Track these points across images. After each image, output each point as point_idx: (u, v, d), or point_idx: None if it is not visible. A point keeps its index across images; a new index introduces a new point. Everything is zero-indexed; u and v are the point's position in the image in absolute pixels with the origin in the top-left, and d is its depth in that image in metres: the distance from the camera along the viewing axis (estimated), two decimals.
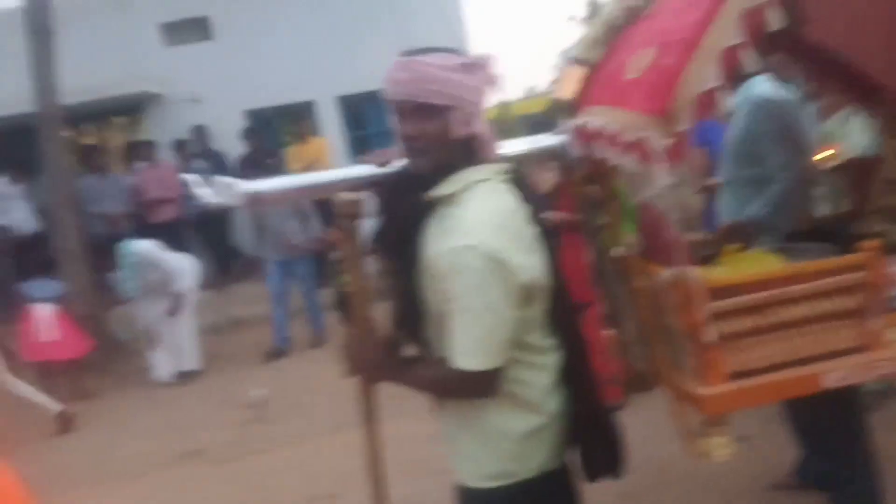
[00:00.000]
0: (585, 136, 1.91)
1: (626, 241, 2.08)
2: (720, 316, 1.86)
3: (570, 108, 2.09)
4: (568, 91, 2.10)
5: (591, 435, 1.67)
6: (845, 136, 3.95)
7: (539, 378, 1.59)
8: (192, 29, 9.91)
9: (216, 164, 8.29)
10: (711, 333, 1.82)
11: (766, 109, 2.81)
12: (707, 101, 1.53)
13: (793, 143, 2.82)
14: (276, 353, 6.44)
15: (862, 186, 2.52)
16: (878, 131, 2.49)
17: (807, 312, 1.89)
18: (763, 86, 2.96)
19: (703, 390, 1.87)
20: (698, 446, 1.92)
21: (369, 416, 1.75)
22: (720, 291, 1.84)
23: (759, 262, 1.99)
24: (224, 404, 5.38)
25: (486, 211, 1.48)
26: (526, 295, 1.50)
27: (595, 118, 1.84)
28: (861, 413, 2.32)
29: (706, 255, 2.12)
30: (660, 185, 1.56)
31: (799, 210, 2.73)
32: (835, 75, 2.58)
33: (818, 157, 4.11)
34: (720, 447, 1.89)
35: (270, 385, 5.38)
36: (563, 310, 1.66)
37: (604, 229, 2.15)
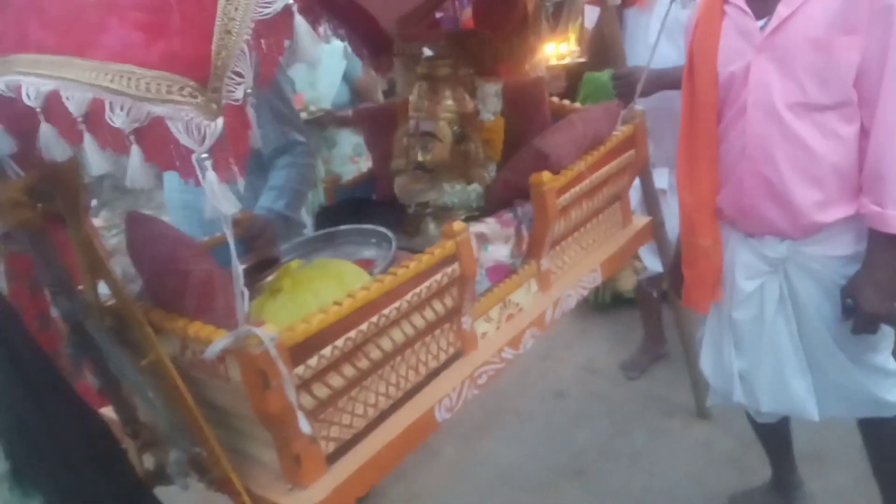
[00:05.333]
0: (12, 114, 0.91)
1: (118, 289, 1.16)
2: (310, 382, 1.16)
3: None
4: None
5: None
6: (312, 84, 3.51)
7: None
8: None
9: None
10: (304, 416, 1.10)
11: None
12: (279, 34, 0.73)
13: (290, 111, 2.22)
14: None
15: (382, 140, 2.04)
16: (398, 78, 2.03)
17: (408, 332, 1.33)
18: None
19: (300, 501, 1.15)
20: None
21: None
22: (304, 347, 1.12)
23: (334, 278, 1.32)
24: None
25: None
26: None
27: (31, 78, 0.85)
28: None
29: (251, 280, 1.36)
30: (223, 207, 0.72)
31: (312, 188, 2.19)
32: (332, 9, 1.99)
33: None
34: None
35: None
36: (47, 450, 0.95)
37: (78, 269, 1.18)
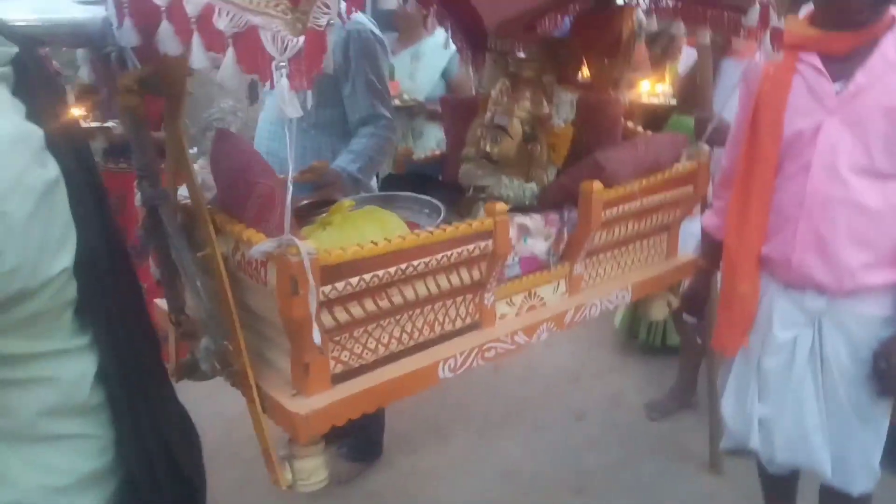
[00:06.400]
0: (141, 11, 1.09)
1: (193, 186, 1.33)
2: (333, 303, 1.30)
3: None
4: None
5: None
6: (412, 75, 3.67)
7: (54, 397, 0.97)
8: None
9: None
10: (320, 330, 1.24)
11: (361, 43, 2.30)
12: None
13: (383, 87, 2.39)
14: None
15: (459, 129, 2.17)
16: (487, 73, 2.16)
17: (432, 290, 1.45)
18: (358, 13, 2.44)
19: (299, 405, 1.29)
20: (280, 472, 1.35)
21: None
22: (335, 271, 1.25)
23: (378, 223, 1.46)
24: None
25: None
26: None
27: None
28: None
29: (309, 213, 1.51)
30: (287, 111, 0.87)
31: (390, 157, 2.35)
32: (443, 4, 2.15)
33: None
34: (309, 475, 1.34)
35: None
36: (107, 294, 1.02)
37: (162, 162, 1.36)
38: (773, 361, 1.91)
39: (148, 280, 1.61)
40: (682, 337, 3.18)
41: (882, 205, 1.67)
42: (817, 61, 1.73)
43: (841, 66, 1.70)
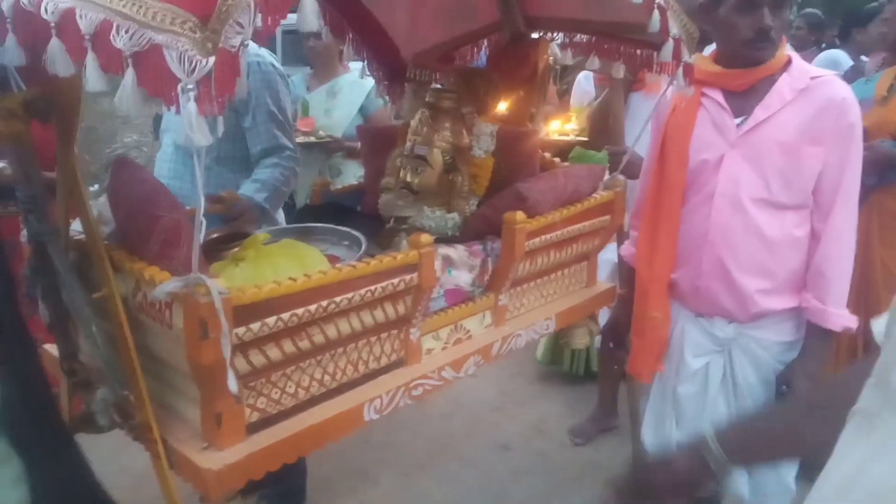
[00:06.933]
0: (28, 27, 0.98)
1: (88, 219, 1.20)
2: (248, 346, 1.20)
3: None
4: None
5: None
6: (328, 111, 3.56)
7: None
8: None
9: None
10: (235, 377, 1.14)
11: (260, 74, 2.23)
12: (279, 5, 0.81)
13: (285, 119, 2.31)
14: None
15: (378, 158, 2.12)
16: (406, 103, 2.12)
17: (355, 327, 1.37)
18: (259, 49, 2.36)
19: (211, 460, 1.17)
20: None
21: None
22: (250, 311, 1.16)
23: (295, 258, 1.37)
24: None
25: None
26: None
27: None
28: None
29: (219, 248, 1.40)
30: (195, 139, 0.78)
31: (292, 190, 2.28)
32: (360, 31, 2.10)
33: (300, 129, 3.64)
34: None
35: None
36: None
37: (53, 193, 1.23)
38: (687, 389, 1.93)
39: (40, 329, 1.45)
40: (600, 362, 3.20)
41: (779, 234, 1.74)
42: (720, 97, 1.79)
43: (742, 101, 1.76)
